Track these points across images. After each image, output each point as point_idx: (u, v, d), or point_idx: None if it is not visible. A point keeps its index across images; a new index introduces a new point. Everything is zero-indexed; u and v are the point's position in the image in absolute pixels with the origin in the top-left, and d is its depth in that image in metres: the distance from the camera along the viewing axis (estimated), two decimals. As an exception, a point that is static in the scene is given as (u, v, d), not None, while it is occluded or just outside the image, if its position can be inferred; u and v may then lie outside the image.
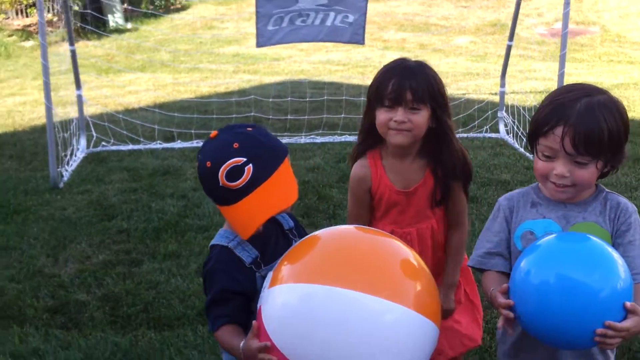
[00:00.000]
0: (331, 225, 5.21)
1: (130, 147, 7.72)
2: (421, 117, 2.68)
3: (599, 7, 17.49)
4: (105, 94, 10.41)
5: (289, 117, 8.63)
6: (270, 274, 2.13)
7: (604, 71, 12.75)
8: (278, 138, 2.41)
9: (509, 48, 8.15)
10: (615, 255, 2.07)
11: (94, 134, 7.90)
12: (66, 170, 6.88)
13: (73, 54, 7.46)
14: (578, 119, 2.14)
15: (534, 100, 8.98)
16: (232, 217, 2.29)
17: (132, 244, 5.21)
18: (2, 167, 7.24)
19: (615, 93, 8.46)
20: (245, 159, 2.21)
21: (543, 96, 2.33)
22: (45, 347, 3.87)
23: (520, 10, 13.96)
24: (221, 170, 2.20)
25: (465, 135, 7.94)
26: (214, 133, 2.32)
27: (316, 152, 7.51)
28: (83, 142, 7.70)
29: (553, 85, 10.38)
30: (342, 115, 8.41)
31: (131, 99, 10.11)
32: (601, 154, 2.18)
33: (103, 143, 7.81)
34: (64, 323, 4.15)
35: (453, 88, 10.36)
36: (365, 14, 7.21)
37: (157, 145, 7.78)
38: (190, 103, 9.52)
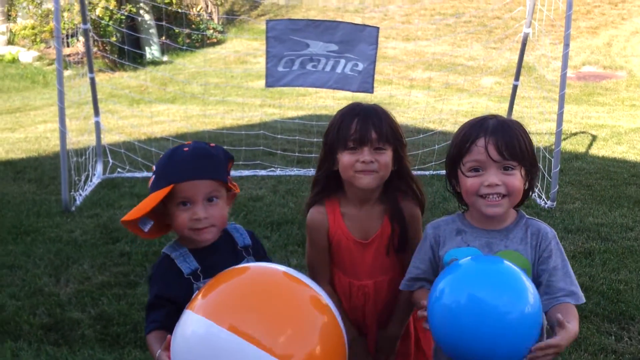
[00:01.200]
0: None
1: (145, 174, 7.96)
2: (387, 157, 2.67)
3: (627, 52, 17.48)
4: (132, 123, 10.71)
5: (296, 153, 8.84)
6: (195, 293, 2.22)
7: (624, 115, 12.72)
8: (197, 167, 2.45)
9: (515, 87, 8.23)
10: (526, 280, 2.12)
11: (110, 161, 8.17)
12: (80, 195, 7.13)
13: (92, 82, 7.73)
14: (495, 130, 2.31)
15: (547, 142, 9.03)
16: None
17: (132, 266, 5.39)
18: (20, 190, 7.50)
19: (630, 137, 8.68)
20: (154, 169, 2.46)
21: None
22: (35, 363, 4.03)
23: (549, 54, 14.10)
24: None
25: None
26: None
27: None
28: (99, 168, 7.97)
29: (568, 127, 10.47)
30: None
31: (155, 128, 10.39)
32: (523, 160, 2.32)
33: (119, 170, 8.07)
34: (56, 340, 4.32)
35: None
36: (374, 62, 7.26)
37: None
38: (208, 134, 9.76)
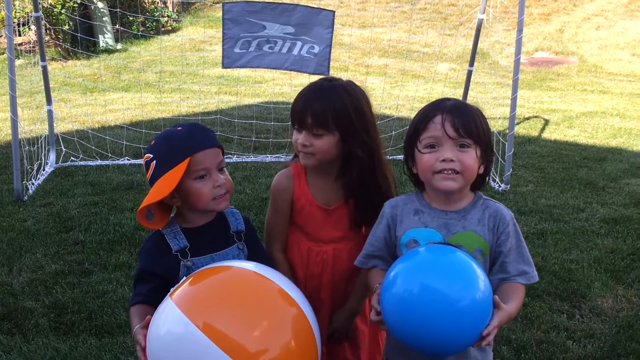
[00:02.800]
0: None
1: (99, 162, 7.88)
2: (324, 143, 2.63)
3: (578, 38, 17.77)
4: (86, 112, 10.57)
5: (253, 137, 8.82)
6: (182, 279, 2.22)
7: (576, 99, 12.96)
8: (201, 139, 2.46)
9: (469, 73, 8.31)
10: (477, 269, 2.16)
11: (64, 149, 8.06)
12: (32, 184, 7.02)
13: (44, 70, 7.61)
14: (452, 109, 2.34)
15: (501, 126, 9.16)
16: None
17: (86, 254, 5.34)
18: (-28, 180, 7.36)
19: (581, 121, 8.84)
20: (152, 156, 2.42)
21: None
22: (-12, 351, 3.97)
23: (502, 40, 14.25)
24: (143, 163, 2.47)
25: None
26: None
27: (279, 171, 7.65)
28: (52, 156, 7.86)
29: (521, 112, 10.61)
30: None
31: (109, 117, 10.27)
32: (479, 139, 2.34)
33: (72, 158, 7.97)
34: (10, 329, 4.26)
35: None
36: (330, 45, 7.31)
37: (125, 161, 7.95)
38: (163, 121, 9.69)
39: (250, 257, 2.61)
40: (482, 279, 2.12)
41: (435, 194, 2.46)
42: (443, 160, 2.32)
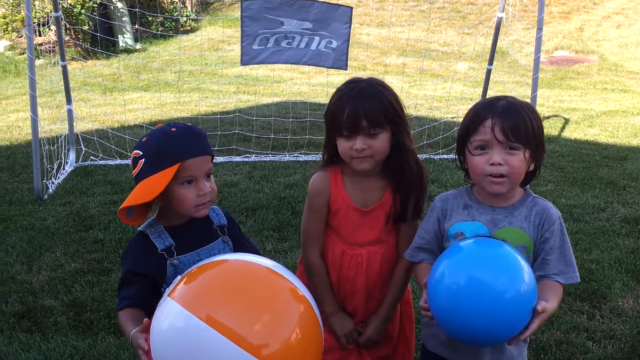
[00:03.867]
0: (300, 239, 5.39)
1: (118, 161, 7.92)
2: (380, 142, 2.65)
3: (599, 36, 17.63)
4: (105, 111, 10.63)
5: (271, 135, 8.84)
6: (177, 279, 2.18)
7: (596, 99, 12.86)
8: (194, 145, 2.44)
9: (488, 72, 8.27)
10: (522, 262, 2.21)
11: (83, 149, 8.11)
12: (52, 183, 7.08)
13: (64, 70, 7.66)
14: (503, 112, 2.39)
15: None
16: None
17: (105, 253, 5.37)
18: (-7, 179, 7.44)
19: (602, 120, 8.77)
20: (141, 153, 2.38)
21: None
22: (7, 349, 4.01)
23: (522, 38, 14.17)
24: (131, 157, 2.44)
25: (446, 156, 8.09)
26: (158, 125, 2.48)
27: (297, 170, 7.68)
28: (72, 156, 7.91)
29: (541, 111, 10.53)
30: (324, 139, 8.53)
31: (129, 116, 10.31)
32: (528, 142, 2.39)
33: (92, 157, 8.02)
34: (29, 327, 4.29)
35: (443, 112, 10.53)
36: (348, 40, 7.35)
37: (142, 160, 7.98)
38: (182, 120, 9.69)
39: (235, 249, 2.61)
40: (526, 272, 2.19)
41: (484, 191, 2.52)
42: (492, 164, 2.38)
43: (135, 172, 2.39)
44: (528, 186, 2.58)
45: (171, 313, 2.01)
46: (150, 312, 2.17)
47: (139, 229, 2.50)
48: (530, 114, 2.42)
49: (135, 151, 2.41)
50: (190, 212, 2.43)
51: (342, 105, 2.64)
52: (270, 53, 7.37)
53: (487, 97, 8.29)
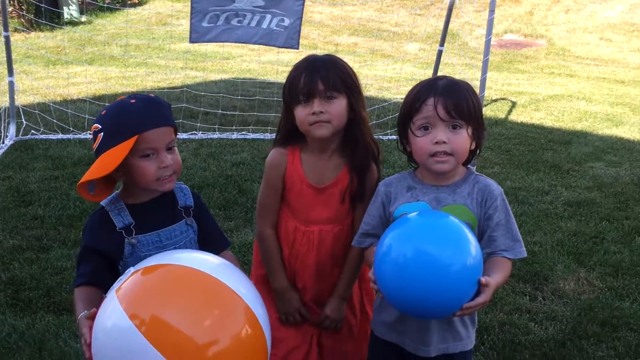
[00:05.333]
0: (247, 217, 5.34)
1: (60, 136, 7.75)
2: (338, 106, 2.68)
3: (548, 21, 17.85)
4: (48, 84, 10.38)
5: (219, 111, 8.75)
6: (128, 273, 2.10)
7: (543, 82, 13.04)
8: (153, 116, 2.37)
9: (439, 53, 8.30)
10: (469, 234, 2.21)
11: (24, 122, 7.90)
12: (-10, 157, 6.89)
13: (7, 41, 7.43)
14: (444, 90, 2.40)
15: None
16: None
17: (45, 230, 5.24)
18: None
19: (548, 103, 8.87)
20: (100, 127, 2.32)
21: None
22: (-60, 327, 3.88)
23: (472, 21, 14.25)
24: (91, 130, 2.38)
25: (394, 137, 8.06)
26: (120, 97, 2.41)
27: (245, 148, 7.61)
28: (12, 129, 7.70)
29: (489, 94, 10.63)
30: (273, 114, 8.49)
31: (72, 90, 10.08)
32: (470, 119, 2.40)
33: (33, 132, 7.81)
34: (-35, 305, 4.16)
35: (393, 92, 10.53)
36: (301, 18, 7.24)
37: (87, 135, 7.79)
38: (126, 95, 9.53)
39: (200, 234, 2.56)
40: (473, 244, 2.19)
41: (429, 172, 2.52)
42: (436, 143, 2.39)
43: (94, 146, 2.33)
44: (472, 166, 2.59)
45: (113, 312, 1.98)
46: (105, 290, 2.15)
47: (101, 203, 2.43)
48: (471, 92, 2.45)
49: (94, 125, 2.36)
50: (153, 186, 2.38)
51: (299, 74, 2.68)
52: (220, 31, 7.23)
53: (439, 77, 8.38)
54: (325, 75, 2.65)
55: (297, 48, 7.44)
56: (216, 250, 2.52)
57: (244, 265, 4.42)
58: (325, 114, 2.66)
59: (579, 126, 9.36)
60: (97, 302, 2.15)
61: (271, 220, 2.92)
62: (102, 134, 2.31)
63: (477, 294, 2.19)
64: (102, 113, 2.36)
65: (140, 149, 2.30)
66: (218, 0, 7.06)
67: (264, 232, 2.93)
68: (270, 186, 2.89)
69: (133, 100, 2.35)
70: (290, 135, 2.83)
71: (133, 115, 2.32)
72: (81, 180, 2.29)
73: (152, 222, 2.43)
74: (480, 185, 2.51)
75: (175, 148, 2.43)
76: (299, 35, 7.36)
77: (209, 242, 2.59)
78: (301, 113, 2.69)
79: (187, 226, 2.52)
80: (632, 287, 4.62)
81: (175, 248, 2.46)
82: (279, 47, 7.47)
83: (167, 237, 2.45)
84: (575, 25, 17.53)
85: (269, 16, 7.21)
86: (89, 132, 7.85)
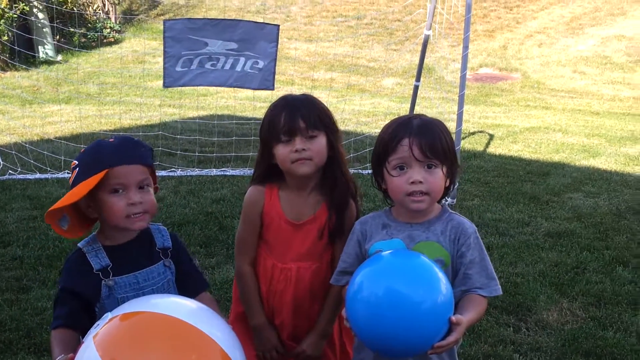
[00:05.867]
0: (228, 254, 5.30)
1: (37, 176, 7.69)
2: (318, 144, 2.70)
3: (522, 55, 18.10)
4: (24, 124, 10.32)
5: (197, 154, 8.73)
6: (106, 318, 2.08)
7: (519, 115, 13.18)
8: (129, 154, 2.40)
9: (416, 88, 8.36)
10: (439, 273, 2.22)
11: (1, 162, 7.84)
12: (-32, 198, 6.80)
13: (-18, 81, 7.41)
14: (419, 130, 2.41)
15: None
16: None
17: (24, 270, 5.16)
18: None
19: (525, 136, 8.96)
20: (77, 162, 2.36)
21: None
22: None
23: (448, 55, 14.40)
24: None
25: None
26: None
27: (225, 184, 7.59)
28: (-11, 170, 7.64)
29: (466, 127, 10.71)
30: (251, 154, 8.49)
31: (48, 129, 10.05)
32: (445, 158, 2.42)
33: (10, 172, 7.75)
34: (-57, 347, 4.08)
35: (371, 126, 10.59)
36: (275, 59, 7.27)
37: (65, 174, 7.74)
38: (104, 134, 9.50)
39: (178, 275, 2.55)
40: (443, 283, 2.20)
41: (403, 209, 2.54)
42: (412, 183, 2.40)
43: (70, 180, 2.35)
44: (446, 202, 2.60)
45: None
46: (83, 332, 2.12)
47: (78, 244, 2.43)
48: (444, 131, 2.47)
49: (73, 161, 2.39)
50: (122, 223, 2.37)
51: (278, 112, 2.70)
52: (194, 75, 7.24)
53: (407, 114, 8.44)
54: (306, 113, 2.68)
55: (273, 89, 7.48)
56: (194, 292, 2.52)
57: (226, 302, 4.40)
58: (307, 151, 2.67)
59: (556, 158, 9.44)
60: (73, 345, 2.15)
61: (249, 257, 2.92)
62: (77, 169, 2.34)
63: (449, 332, 2.19)
64: (82, 151, 2.40)
65: (110, 183, 2.32)
66: (191, 45, 7.07)
67: (242, 268, 2.93)
68: (248, 223, 2.90)
69: (112, 139, 2.40)
70: (268, 173, 2.84)
71: (106, 151, 2.35)
72: (51, 208, 2.29)
73: (129, 263, 2.41)
74: (454, 223, 2.52)
75: (150, 189, 2.42)
76: (274, 77, 7.39)
77: (187, 283, 2.58)
78: (283, 151, 2.69)
79: (165, 267, 2.51)
80: (615, 316, 4.63)
81: (152, 290, 2.45)
82: (254, 89, 7.51)
83: (144, 279, 2.43)
84: (549, 58, 17.78)
85: (242, 59, 7.23)
86: (67, 171, 7.83)
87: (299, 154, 2.67)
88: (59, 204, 2.29)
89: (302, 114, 2.67)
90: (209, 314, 2.18)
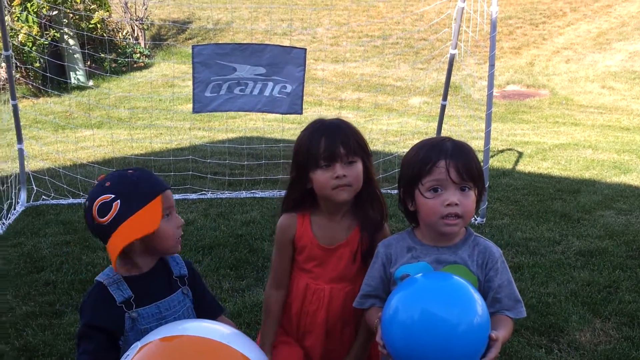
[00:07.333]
0: (258, 276, 5.32)
1: (70, 201, 7.78)
2: (357, 170, 2.72)
3: (549, 71, 18.00)
4: (57, 149, 10.46)
5: (227, 177, 8.78)
6: (135, 348, 2.11)
7: (548, 132, 13.08)
8: (161, 180, 2.48)
9: (443, 107, 8.35)
10: (474, 293, 2.23)
11: (35, 188, 7.95)
12: (3, 224, 6.91)
13: (15, 108, 7.51)
14: (454, 153, 2.44)
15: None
16: (110, 252, 2.32)
17: (57, 295, 5.22)
18: (-60, 220, 7.21)
19: (554, 153, 8.87)
20: (113, 196, 2.30)
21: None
22: (-44, 396, 3.89)
23: (474, 73, 14.38)
24: (94, 207, 2.30)
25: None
26: (101, 176, 2.42)
27: (254, 207, 7.62)
28: (23, 195, 7.73)
29: (494, 144, 10.66)
30: (280, 176, 8.54)
31: (81, 154, 10.17)
32: (477, 181, 2.46)
33: (43, 197, 7.86)
34: (-21, 373, 4.16)
35: (399, 146, 10.58)
36: (302, 83, 7.31)
37: (98, 199, 7.84)
38: (135, 159, 9.60)
39: (195, 301, 2.58)
40: (479, 303, 2.21)
41: (430, 231, 2.55)
42: (448, 205, 2.42)
43: (109, 217, 2.30)
44: (481, 218, 2.62)
45: None
46: None
47: (97, 278, 2.44)
48: (474, 154, 2.51)
49: (102, 197, 2.32)
50: (171, 248, 2.44)
51: (317, 138, 2.71)
52: (223, 100, 7.29)
53: (438, 133, 8.43)
54: (345, 139, 2.70)
55: (301, 113, 7.51)
56: (212, 316, 2.56)
57: (257, 325, 4.42)
58: (347, 177, 2.69)
59: (586, 174, 9.36)
60: None
61: (278, 282, 2.96)
62: (118, 201, 2.30)
63: (488, 349, 2.21)
64: (107, 184, 2.34)
65: (164, 208, 2.36)
66: (220, 70, 7.13)
67: (268, 291, 2.99)
68: (280, 249, 2.94)
69: (131, 171, 2.40)
70: (301, 198, 2.85)
71: (147, 179, 2.39)
72: (125, 243, 2.28)
73: (150, 294, 2.43)
74: (480, 248, 2.54)
75: None
76: (302, 101, 7.43)
77: (205, 309, 2.62)
78: (322, 177, 2.70)
79: (183, 295, 2.54)
80: (649, 336, 4.58)
81: (174, 318, 2.46)
82: (283, 113, 7.54)
83: (166, 308, 2.46)
84: (577, 74, 17.68)
85: (270, 84, 7.28)
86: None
87: (339, 180, 2.68)
88: (134, 236, 2.29)
89: (342, 140, 2.69)
90: (240, 335, 2.22)
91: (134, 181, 2.36)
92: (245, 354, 2.10)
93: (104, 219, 2.30)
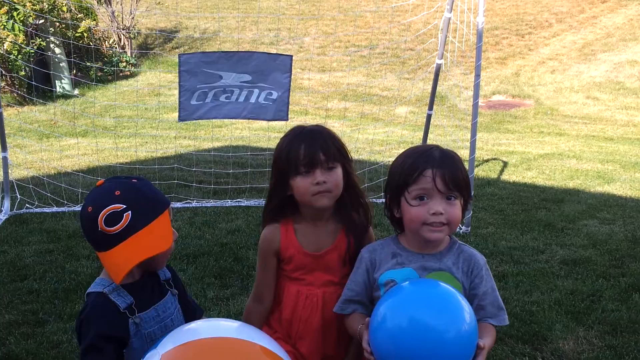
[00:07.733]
0: (243, 285, 5.31)
1: (54, 209, 7.75)
2: (337, 175, 2.71)
3: (534, 81, 18.11)
4: (41, 158, 10.41)
5: (212, 185, 8.78)
6: (154, 354, 2.12)
7: (533, 142, 13.16)
8: (163, 193, 2.51)
9: (429, 117, 8.39)
10: (462, 300, 2.24)
11: (18, 196, 7.91)
12: (-15, 232, 6.87)
13: (-1, 117, 7.50)
14: (441, 162, 2.45)
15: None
16: (108, 262, 2.32)
17: (41, 304, 5.19)
18: None
19: (539, 162, 8.92)
20: (124, 206, 2.29)
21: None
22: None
23: (460, 83, 14.44)
24: (100, 215, 2.27)
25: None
26: (100, 182, 2.40)
27: (239, 215, 7.61)
28: (7, 204, 7.69)
29: (480, 154, 10.71)
30: (265, 185, 8.51)
31: (65, 163, 10.13)
32: (463, 190, 2.47)
33: (27, 205, 7.81)
34: (-40, 383, 4.13)
35: (385, 155, 10.61)
36: (289, 90, 7.33)
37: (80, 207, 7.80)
38: (120, 167, 9.56)
39: (180, 302, 2.63)
40: (467, 311, 2.22)
41: (415, 238, 2.55)
42: (433, 214, 2.42)
43: (119, 227, 2.28)
44: (466, 227, 2.64)
45: None
46: None
47: (92, 290, 2.42)
48: (461, 163, 2.52)
49: (113, 206, 2.29)
50: (163, 264, 2.51)
51: (296, 145, 2.70)
52: (209, 108, 7.30)
53: (424, 143, 8.46)
54: (325, 145, 2.69)
55: (287, 119, 7.53)
56: (194, 317, 2.61)
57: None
58: (327, 183, 2.68)
59: (570, 184, 9.42)
60: None
61: (258, 295, 2.93)
62: (130, 212, 2.28)
63: (475, 357, 2.22)
64: (117, 193, 2.30)
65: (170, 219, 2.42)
66: (206, 78, 7.13)
67: (249, 305, 2.96)
68: (263, 262, 2.91)
69: (135, 180, 2.40)
70: (282, 205, 2.83)
71: (152, 191, 2.41)
72: (147, 256, 2.31)
73: (146, 298, 2.45)
74: (465, 255, 2.56)
75: None
76: (288, 107, 7.44)
77: (188, 309, 2.67)
78: (302, 183, 2.69)
79: (172, 297, 2.57)
80: (632, 345, 4.59)
81: (170, 320, 2.50)
82: (268, 120, 7.55)
83: (162, 311, 2.48)
84: (562, 85, 17.79)
85: (256, 90, 7.29)
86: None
87: (319, 186, 2.67)
88: (147, 254, 2.30)
89: (321, 146, 2.68)
90: (249, 327, 2.31)
91: (143, 193, 2.36)
92: (263, 344, 2.17)
93: (112, 228, 2.28)
